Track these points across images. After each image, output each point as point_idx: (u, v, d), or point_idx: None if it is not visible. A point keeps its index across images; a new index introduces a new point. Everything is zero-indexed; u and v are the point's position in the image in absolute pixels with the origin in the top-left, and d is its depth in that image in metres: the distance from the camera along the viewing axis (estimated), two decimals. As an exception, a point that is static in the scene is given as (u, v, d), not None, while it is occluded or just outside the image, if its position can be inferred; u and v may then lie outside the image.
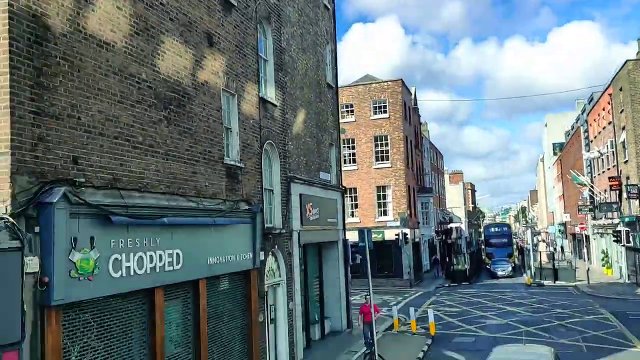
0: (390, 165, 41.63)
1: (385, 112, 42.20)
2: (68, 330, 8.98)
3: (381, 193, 41.69)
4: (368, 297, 18.93)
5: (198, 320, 12.63)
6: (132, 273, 10.25)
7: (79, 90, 9.53)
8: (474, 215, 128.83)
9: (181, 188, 12.38)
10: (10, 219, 8.01)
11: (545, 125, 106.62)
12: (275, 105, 18.02)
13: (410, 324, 23.05)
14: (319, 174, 22.07)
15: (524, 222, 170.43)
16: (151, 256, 10.84)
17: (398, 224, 40.72)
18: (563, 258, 62.32)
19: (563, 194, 78.11)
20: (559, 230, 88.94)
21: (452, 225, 77.22)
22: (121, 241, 10.02)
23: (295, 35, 20.46)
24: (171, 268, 11.49)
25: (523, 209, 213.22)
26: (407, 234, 40.48)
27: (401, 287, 39.13)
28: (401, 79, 42.77)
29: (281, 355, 17.33)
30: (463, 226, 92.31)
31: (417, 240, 45.72)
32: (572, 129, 74.01)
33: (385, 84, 42.70)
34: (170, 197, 11.86)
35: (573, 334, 21.54)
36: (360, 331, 20.54)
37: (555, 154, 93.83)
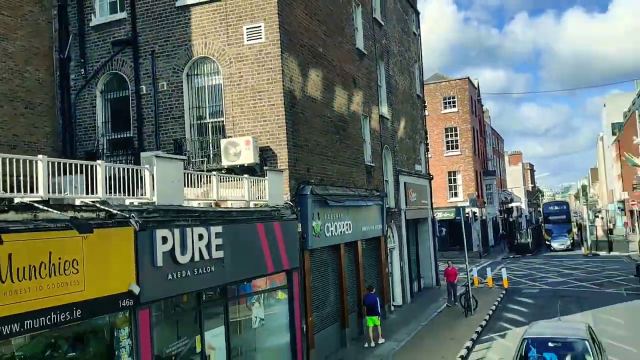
0: (459, 153, 47.83)
1: (454, 106, 48.32)
2: (312, 261, 16.19)
3: (452, 177, 47.99)
4: (450, 261, 25.62)
5: (358, 264, 19.75)
6: (332, 234, 17.40)
7: (306, 129, 16.64)
8: (533, 194, 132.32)
9: (347, 182, 19.45)
10: (290, 203, 15.19)
11: (604, 105, 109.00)
12: (388, 119, 24.86)
13: (487, 281, 29.66)
14: (415, 166, 28.85)
15: (584, 201, 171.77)
16: (338, 224, 17.95)
17: (467, 204, 46.90)
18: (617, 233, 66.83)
19: (621, 173, 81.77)
20: (619, 208, 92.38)
21: (513, 204, 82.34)
22: (328, 215, 17.16)
23: (397, 62, 27.16)
24: (347, 231, 18.59)
25: (584, 187, 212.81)
26: (475, 213, 46.69)
27: (472, 258, 45.35)
28: (468, 77, 48.76)
29: (397, 297, 24.35)
30: (523, 205, 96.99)
31: (484, 218, 51.83)
32: (629, 111, 77.47)
33: (454, 82, 48.76)
34: (344, 188, 18.94)
35: (618, 287, 27.64)
36: (444, 288, 27.17)
37: (614, 134, 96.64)
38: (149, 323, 9.75)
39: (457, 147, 48.08)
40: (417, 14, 32.25)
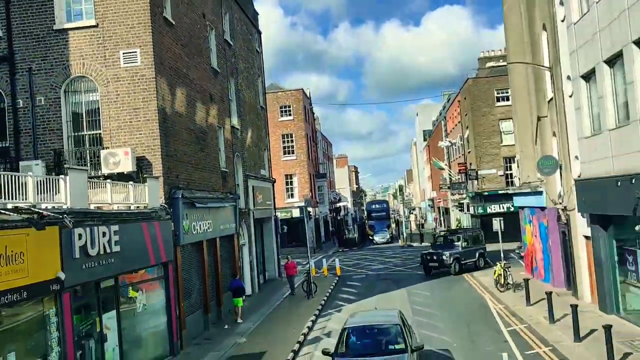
0: (295, 158, 52.38)
1: (290, 114, 52.79)
2: (183, 255, 18.80)
3: (289, 180, 52.37)
4: (289, 256, 29.56)
5: (217, 258, 22.64)
6: (198, 232, 20.14)
7: (175, 140, 19.21)
8: (357, 194, 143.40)
9: (208, 186, 22.25)
10: (165, 205, 17.70)
11: (417, 115, 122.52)
12: (238, 129, 28.01)
13: (322, 271, 34.09)
14: (260, 171, 32.30)
15: (401, 200, 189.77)
16: (202, 224, 20.72)
17: (303, 204, 51.61)
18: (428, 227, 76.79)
19: (431, 175, 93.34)
20: (429, 205, 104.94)
21: (341, 204, 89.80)
22: (194, 215, 19.87)
23: (244, 78, 30.40)
24: (208, 230, 21.41)
25: (400, 188, 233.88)
26: (310, 212, 51.48)
27: (307, 253, 50.11)
28: (302, 88, 53.60)
29: (247, 288, 27.56)
30: (349, 205, 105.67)
31: (317, 217, 57.00)
32: (436, 120, 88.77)
33: (290, 92, 53.24)
34: (206, 192, 21.73)
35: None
36: (285, 280, 30.92)
37: (425, 139, 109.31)
38: (70, 304, 11.94)
39: (293, 152, 52.58)
40: (259, 33, 35.77)
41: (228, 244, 24.87)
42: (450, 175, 62.55)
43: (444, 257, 31.08)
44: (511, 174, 45.76)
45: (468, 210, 48.39)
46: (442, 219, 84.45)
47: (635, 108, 14.65)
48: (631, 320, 16.79)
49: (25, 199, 11.16)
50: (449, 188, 65.00)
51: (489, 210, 45.87)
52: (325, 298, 25.95)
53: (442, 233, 39.00)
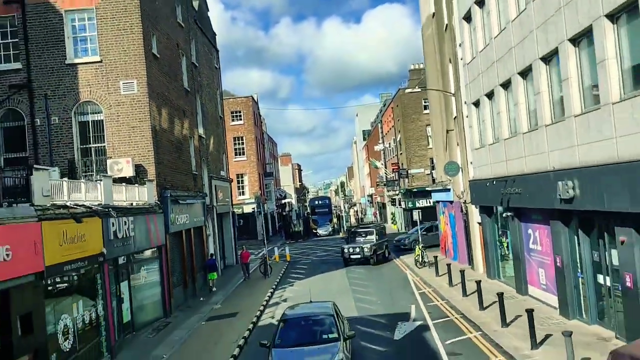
0: (246, 159, 57.56)
1: (240, 119, 57.89)
2: (171, 241, 23.96)
3: (240, 179, 57.46)
4: (244, 246, 34.98)
5: (191, 245, 27.82)
6: (180, 223, 25.29)
7: (163, 150, 24.29)
8: (300, 191, 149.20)
9: (185, 186, 27.38)
10: (158, 202, 22.81)
11: (357, 115, 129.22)
12: (204, 137, 33.13)
13: (274, 258, 39.59)
14: (220, 172, 37.48)
15: (343, 196, 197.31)
16: (182, 217, 25.86)
17: (253, 201, 56.89)
18: (367, 220, 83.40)
19: (369, 173, 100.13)
20: (368, 201, 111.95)
21: (286, 200, 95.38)
22: (178, 210, 25.01)
23: (207, 93, 35.49)
24: (187, 222, 26.57)
25: (342, 184, 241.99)
26: (261, 209, 56.80)
27: (258, 245, 55.49)
28: (252, 96, 58.79)
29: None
30: (293, 201, 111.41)
31: (265, 212, 62.36)
32: (374, 122, 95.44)
33: (240, 99, 58.33)
34: (184, 190, 26.87)
35: (362, 255, 39.69)
36: (239, 267, 36.09)
37: (364, 139, 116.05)
38: (108, 271, 17.06)
39: (243, 154, 57.72)
40: (217, 51, 40.83)
41: (199, 234, 30.04)
42: (385, 173, 69.16)
43: (365, 249, 33.66)
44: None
45: (400, 204, 54.91)
46: (379, 212, 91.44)
47: (501, 131, 20.95)
48: (505, 282, 23.22)
49: (67, 198, 16.21)
50: (384, 185, 71.73)
51: (417, 205, 52.43)
52: (279, 277, 31.52)
53: (353, 228, 41.13)
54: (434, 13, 31.78)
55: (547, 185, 16.20)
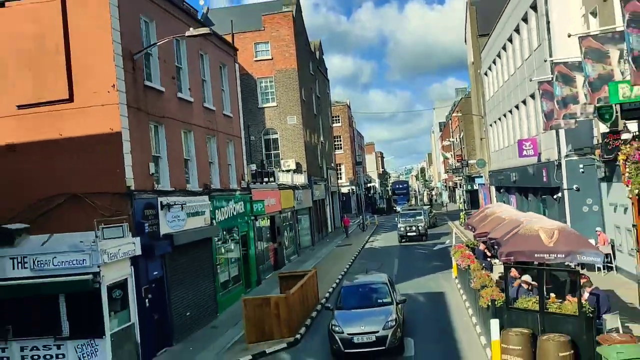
0: (342, 152, 75.85)
1: (339, 122, 76.10)
2: (313, 205, 42.73)
3: (339, 167, 75.90)
4: (346, 215, 53.23)
5: (318, 211, 46.47)
6: (317, 196, 43.86)
7: (308, 154, 42.94)
8: (383, 176, 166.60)
9: (317, 174, 45.95)
10: (308, 183, 41.46)
11: (434, 109, 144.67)
12: (323, 142, 51.58)
13: (367, 223, 57.73)
14: (331, 164, 55.95)
15: (423, 181, 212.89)
16: (317, 192, 44.39)
17: (349, 184, 75.26)
18: (438, 200, 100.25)
19: (443, 161, 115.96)
20: (443, 185, 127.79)
21: (371, 184, 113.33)
22: (316, 188, 43.59)
23: (324, 112, 53.88)
24: (319, 195, 45.09)
25: (422, 170, 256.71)
26: (354, 190, 75.09)
27: (352, 217, 73.91)
28: (347, 104, 76.79)
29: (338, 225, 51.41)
30: (377, 185, 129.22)
31: (357, 194, 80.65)
32: (448, 116, 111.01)
33: (339, 106, 76.51)
34: (317, 177, 45.44)
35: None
36: (342, 229, 54.27)
37: (440, 130, 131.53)
38: (296, 216, 35.87)
39: (341, 148, 75.98)
40: (328, 81, 59.01)
41: (322, 205, 48.54)
42: (453, 162, 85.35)
43: (420, 227, 39.55)
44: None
45: (461, 187, 71.37)
46: (451, 194, 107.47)
47: (500, 143, 37.84)
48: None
49: (279, 179, 34.99)
50: (453, 172, 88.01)
51: (474, 187, 68.79)
52: (371, 232, 49.63)
53: (407, 209, 48.38)
54: (472, 62, 48.47)
55: (509, 175, 33.23)
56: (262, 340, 16.34)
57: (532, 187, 29.27)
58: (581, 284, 12.22)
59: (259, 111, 41.70)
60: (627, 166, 15.50)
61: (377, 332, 13.97)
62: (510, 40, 31.60)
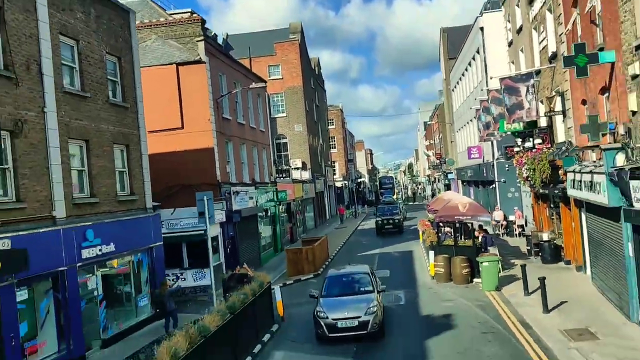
0: (336, 151, 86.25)
1: (333, 124, 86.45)
2: (320, 194, 53.25)
3: (332, 164, 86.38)
4: (341, 205, 63.66)
5: (319, 200, 56.99)
6: (317, 189, 54.32)
7: (312, 155, 53.25)
8: (372, 172, 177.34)
9: (318, 171, 56.37)
10: (311, 178, 51.89)
11: (419, 109, 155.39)
12: (322, 144, 61.90)
13: (359, 212, 68.14)
14: (328, 162, 66.34)
15: (410, 176, 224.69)
16: (317, 186, 54.86)
17: (342, 179, 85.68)
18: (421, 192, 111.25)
19: (427, 158, 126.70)
20: (427, 179, 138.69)
21: (361, 179, 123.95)
22: (317, 182, 54.03)
23: (322, 119, 64.21)
24: (319, 188, 55.48)
25: (410, 165, 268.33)
26: (346, 184, 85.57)
27: (347, 208, 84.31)
28: (340, 108, 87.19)
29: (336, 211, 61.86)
30: (366, 180, 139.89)
31: (349, 187, 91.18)
32: (430, 117, 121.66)
33: (333, 110, 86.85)
34: (317, 173, 55.85)
35: (414, 209, 67.78)
36: (337, 217, 64.63)
37: (425, 129, 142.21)
38: (318, 199, 46.26)
39: (335, 148, 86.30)
40: (325, 91, 69.22)
41: (321, 196, 58.85)
42: (434, 160, 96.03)
43: (397, 220, 42.78)
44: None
45: (440, 181, 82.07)
46: (431, 188, 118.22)
47: (465, 145, 48.46)
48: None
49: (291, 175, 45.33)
50: (434, 168, 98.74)
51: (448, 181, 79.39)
52: (362, 218, 60.11)
53: (380, 204, 54.31)
54: (444, 78, 58.99)
55: (467, 172, 43.77)
56: (298, 274, 26.66)
57: (480, 180, 39.81)
58: (476, 232, 22.77)
59: (272, 121, 51.78)
60: (517, 167, 26.04)
61: (360, 317, 15.22)
62: (466, 69, 42.08)
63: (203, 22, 28.22)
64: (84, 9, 17.18)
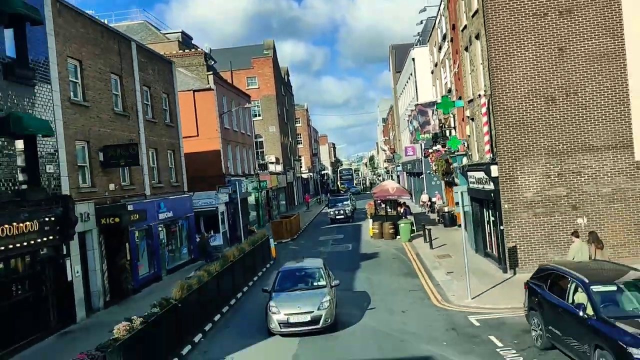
0: (302, 146, 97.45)
1: (299, 123, 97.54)
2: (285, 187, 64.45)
3: (299, 158, 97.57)
4: (307, 194, 74.90)
5: (289, 190, 68.19)
6: (288, 179, 65.47)
7: (283, 150, 64.42)
8: (335, 164, 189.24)
9: (288, 165, 67.53)
10: (285, 170, 62.98)
11: (378, 106, 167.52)
12: (291, 141, 73.01)
13: (322, 200, 79.48)
14: (296, 155, 77.57)
15: (371, 168, 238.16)
16: (288, 177, 66.01)
17: (307, 171, 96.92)
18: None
19: (386, 150, 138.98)
20: (385, 171, 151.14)
21: (324, 172, 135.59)
22: (288, 174, 65.16)
23: (291, 119, 75.30)
24: (290, 179, 66.66)
25: (372, 158, 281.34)
26: (311, 176, 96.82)
27: (312, 197, 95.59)
28: (306, 108, 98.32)
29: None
30: (329, 172, 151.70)
31: (314, 179, 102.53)
32: (387, 114, 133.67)
33: (300, 111, 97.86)
34: (288, 166, 67.00)
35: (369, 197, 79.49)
36: (305, 204, 75.80)
37: (384, 123, 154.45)
38: (289, 189, 57.43)
39: (301, 143, 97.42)
40: (292, 95, 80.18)
41: (291, 186, 69.91)
42: (389, 154, 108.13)
43: (347, 211, 47.21)
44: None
45: (394, 172, 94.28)
46: (391, 179, 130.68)
47: (406, 144, 60.41)
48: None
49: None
50: (389, 161, 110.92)
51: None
52: (326, 204, 71.35)
53: (332, 196, 65.17)
54: (393, 87, 70.70)
55: (407, 165, 55.52)
56: (279, 239, 37.80)
57: (416, 172, 51.56)
58: (399, 207, 34.45)
59: (252, 123, 62.64)
60: (431, 164, 37.71)
61: (312, 312, 15.18)
62: (405, 85, 53.72)
63: (206, 55, 39.08)
64: (152, 67, 27.92)
